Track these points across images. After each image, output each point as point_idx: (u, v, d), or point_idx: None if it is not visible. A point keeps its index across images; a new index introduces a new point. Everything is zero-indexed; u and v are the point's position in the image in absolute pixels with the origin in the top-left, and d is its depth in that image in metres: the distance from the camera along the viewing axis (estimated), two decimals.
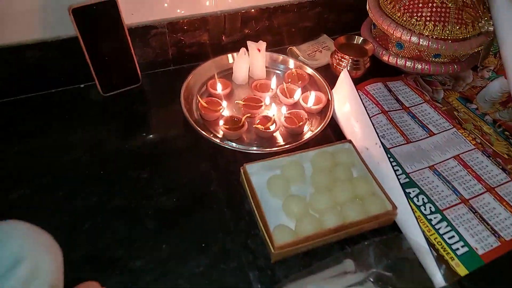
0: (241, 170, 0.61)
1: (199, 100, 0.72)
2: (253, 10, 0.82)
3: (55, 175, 0.62)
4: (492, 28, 0.74)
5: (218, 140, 0.67)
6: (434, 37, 0.74)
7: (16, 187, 0.60)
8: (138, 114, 0.74)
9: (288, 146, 0.66)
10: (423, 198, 0.63)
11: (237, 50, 0.79)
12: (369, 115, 0.66)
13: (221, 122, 0.68)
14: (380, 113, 0.75)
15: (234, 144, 0.68)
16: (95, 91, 0.74)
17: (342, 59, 0.79)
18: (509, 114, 0.77)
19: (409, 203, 0.58)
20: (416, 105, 0.79)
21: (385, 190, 0.59)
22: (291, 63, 0.83)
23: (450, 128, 0.75)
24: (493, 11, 0.74)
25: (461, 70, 0.79)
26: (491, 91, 0.82)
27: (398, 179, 0.59)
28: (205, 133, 0.66)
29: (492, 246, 0.57)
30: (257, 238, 0.56)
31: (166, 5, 0.74)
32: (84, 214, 0.58)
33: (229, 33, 0.83)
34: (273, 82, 0.77)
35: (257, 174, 0.61)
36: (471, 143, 0.72)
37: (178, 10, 0.76)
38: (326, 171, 0.62)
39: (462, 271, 0.54)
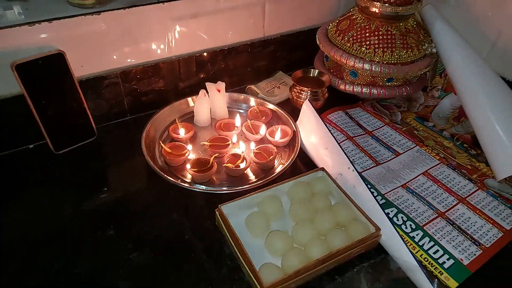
0: (217, 212, 0.57)
1: (162, 146, 0.69)
2: (205, 54, 0.82)
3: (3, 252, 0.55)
4: (435, 50, 0.79)
5: (187, 185, 0.63)
6: (385, 62, 0.77)
7: None
8: (96, 171, 0.68)
9: (261, 181, 0.64)
10: (402, 217, 0.62)
11: (195, 94, 0.77)
12: (337, 141, 0.66)
13: (188, 166, 0.65)
14: (346, 139, 0.76)
15: (204, 187, 0.64)
16: (47, 150, 0.68)
17: (301, 92, 0.80)
18: (463, 128, 0.81)
19: (392, 223, 0.57)
20: (378, 128, 0.81)
21: (365, 213, 0.58)
22: (252, 101, 0.83)
23: (414, 147, 0.76)
24: (433, 35, 0.80)
25: (414, 92, 0.83)
26: (443, 109, 0.86)
27: (377, 201, 0.59)
28: (172, 179, 0.63)
29: (475, 254, 0.57)
30: (242, 283, 0.52)
31: (115, 57, 0.73)
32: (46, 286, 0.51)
33: (185, 78, 0.83)
34: (237, 120, 0.76)
35: (233, 214, 0.57)
36: (435, 158, 0.74)
37: (128, 60, 0.75)
38: (304, 202, 0.60)
39: (452, 284, 0.53)
